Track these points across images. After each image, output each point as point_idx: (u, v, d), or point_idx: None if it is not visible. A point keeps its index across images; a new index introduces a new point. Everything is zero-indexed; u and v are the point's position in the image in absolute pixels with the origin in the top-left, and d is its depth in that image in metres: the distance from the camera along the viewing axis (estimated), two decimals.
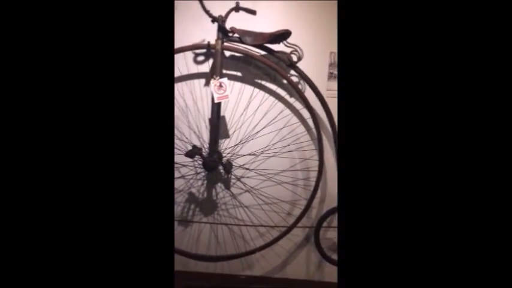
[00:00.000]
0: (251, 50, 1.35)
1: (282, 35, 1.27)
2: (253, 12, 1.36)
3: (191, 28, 1.47)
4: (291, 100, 1.52)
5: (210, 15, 1.27)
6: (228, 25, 1.33)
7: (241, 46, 1.34)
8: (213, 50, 1.34)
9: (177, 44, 1.46)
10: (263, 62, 1.33)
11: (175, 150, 1.57)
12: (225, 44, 1.32)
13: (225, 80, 1.31)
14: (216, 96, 1.31)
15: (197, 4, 1.42)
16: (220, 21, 1.28)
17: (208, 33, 1.45)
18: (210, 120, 1.55)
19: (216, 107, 1.34)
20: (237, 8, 1.35)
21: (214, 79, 1.30)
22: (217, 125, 1.36)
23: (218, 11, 1.34)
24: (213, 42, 1.34)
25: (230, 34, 1.32)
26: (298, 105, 1.53)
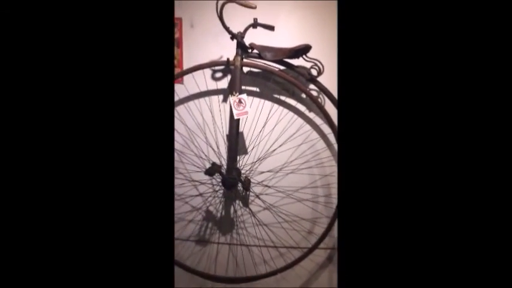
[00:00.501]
0: (270, 65, 1.34)
1: (303, 50, 1.25)
2: (271, 28, 1.35)
3: (208, 44, 1.47)
4: (311, 115, 1.49)
5: (230, 32, 1.26)
6: (246, 40, 1.32)
7: (261, 62, 1.32)
8: (231, 67, 1.33)
9: (195, 60, 1.46)
10: (282, 77, 1.31)
11: (193, 167, 1.55)
12: (244, 60, 1.30)
13: (244, 96, 1.29)
14: (235, 112, 1.29)
15: (214, 20, 1.42)
16: (239, 37, 1.28)
17: (226, 49, 1.44)
18: (228, 136, 1.53)
19: (235, 123, 1.32)
20: (255, 25, 1.34)
21: (234, 95, 1.28)
22: (236, 141, 1.34)
23: (235, 26, 1.33)
24: (231, 58, 1.33)
25: (249, 50, 1.31)
26: (318, 120, 1.50)
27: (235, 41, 1.30)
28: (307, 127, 1.50)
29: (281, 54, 1.25)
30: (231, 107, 1.30)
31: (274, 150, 1.50)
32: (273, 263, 1.61)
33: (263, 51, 1.27)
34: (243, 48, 1.29)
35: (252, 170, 1.49)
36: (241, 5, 1.13)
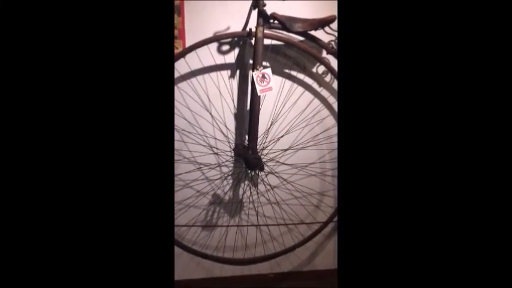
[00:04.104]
0: (293, 37, 1.27)
1: (329, 21, 1.21)
2: None
3: (213, 13, 1.33)
4: (324, 93, 1.48)
5: (256, 0, 1.15)
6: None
7: (284, 34, 1.24)
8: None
9: (200, 33, 1.31)
10: (306, 50, 1.26)
11: (200, 148, 1.44)
12: (266, 31, 1.21)
13: (268, 70, 1.21)
14: (259, 88, 1.21)
15: None
16: (261, 6, 1.17)
17: (234, 19, 1.32)
18: (236, 115, 1.44)
19: (257, 100, 1.24)
20: None
21: (257, 70, 1.20)
22: (258, 119, 1.26)
23: None
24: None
25: (271, 20, 1.22)
26: (325, 93, 1.50)
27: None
28: (317, 102, 1.49)
29: (308, 26, 1.19)
30: (252, 82, 1.21)
31: (289, 128, 1.46)
32: (281, 239, 1.61)
33: (289, 22, 1.19)
34: (264, 18, 1.20)
35: (265, 149, 1.44)
36: None
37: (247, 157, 1.26)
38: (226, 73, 1.40)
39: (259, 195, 1.53)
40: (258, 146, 1.39)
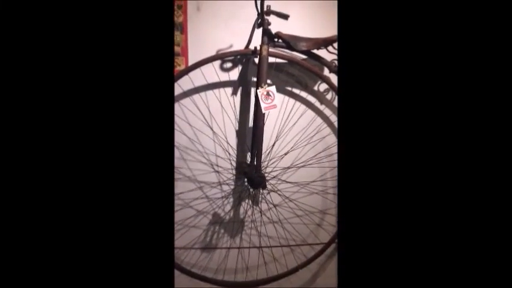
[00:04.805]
0: (297, 56, 1.28)
1: (333, 41, 1.22)
2: (285, 16, 1.28)
3: (216, 30, 1.33)
4: (327, 112, 1.48)
5: (262, 19, 1.16)
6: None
7: (287, 52, 1.25)
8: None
9: (203, 51, 1.31)
10: (308, 68, 1.27)
11: (201, 166, 1.41)
12: (270, 49, 1.22)
13: (273, 88, 1.21)
14: (263, 106, 1.20)
15: (223, 4, 1.30)
16: (266, 25, 1.18)
17: (236, 36, 1.32)
18: (238, 132, 1.43)
19: (261, 118, 1.23)
20: (268, 12, 1.26)
21: (262, 87, 1.19)
22: (262, 137, 1.25)
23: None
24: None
25: (275, 39, 1.22)
26: (331, 115, 1.50)
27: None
28: (319, 120, 1.49)
29: (312, 45, 1.20)
30: (256, 99, 1.21)
31: (293, 146, 1.45)
32: (283, 259, 1.57)
33: (293, 41, 1.20)
34: (269, 37, 1.20)
35: (271, 167, 1.42)
36: None
37: (251, 175, 1.24)
38: (228, 90, 1.39)
39: (261, 213, 1.50)
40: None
